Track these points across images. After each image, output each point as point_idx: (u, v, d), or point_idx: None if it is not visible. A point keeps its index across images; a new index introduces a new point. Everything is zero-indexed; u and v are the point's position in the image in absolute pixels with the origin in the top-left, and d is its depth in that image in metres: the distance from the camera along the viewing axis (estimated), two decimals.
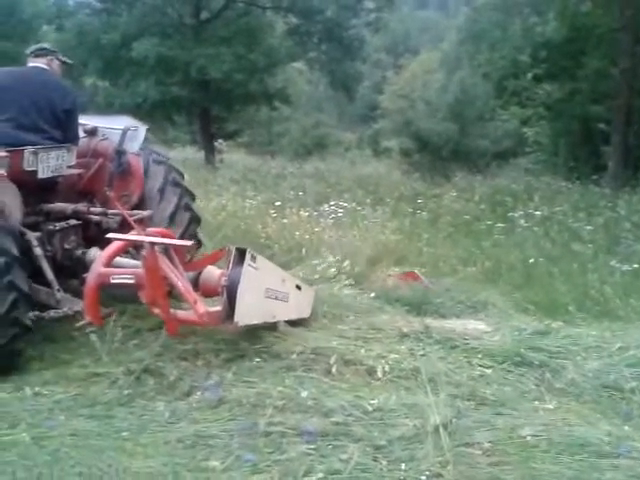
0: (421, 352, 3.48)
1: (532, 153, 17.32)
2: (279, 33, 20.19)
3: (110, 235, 3.51)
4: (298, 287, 3.86)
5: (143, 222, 3.84)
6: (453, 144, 17.50)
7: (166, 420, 2.86)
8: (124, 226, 3.80)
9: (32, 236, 3.56)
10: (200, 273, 3.59)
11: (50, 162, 3.78)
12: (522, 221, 7.74)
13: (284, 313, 3.69)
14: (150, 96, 17.36)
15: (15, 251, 3.25)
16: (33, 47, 4.19)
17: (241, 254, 3.38)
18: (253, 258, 3.37)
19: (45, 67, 4.02)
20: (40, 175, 3.73)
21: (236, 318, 3.28)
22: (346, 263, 5.06)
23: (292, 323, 3.77)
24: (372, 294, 4.60)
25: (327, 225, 6.79)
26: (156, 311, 3.39)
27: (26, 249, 3.47)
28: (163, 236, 3.46)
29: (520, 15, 15.63)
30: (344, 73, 19.80)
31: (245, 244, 3.97)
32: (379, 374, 3.23)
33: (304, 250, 5.76)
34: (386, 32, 32.32)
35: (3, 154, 3.42)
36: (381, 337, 3.72)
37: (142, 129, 4.32)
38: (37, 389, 3.16)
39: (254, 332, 3.56)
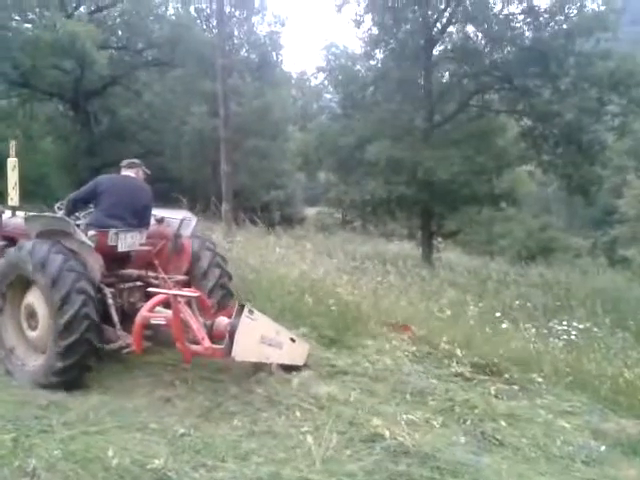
0: None
1: None
2: (511, 135, 19.96)
3: (149, 289, 4.79)
4: (292, 339, 4.95)
5: (180, 283, 5.25)
6: None
7: None
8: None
9: (107, 291, 4.84)
10: (214, 321, 4.81)
11: (127, 240, 5.16)
12: None
13: (277, 357, 4.77)
14: (377, 193, 18.28)
15: (92, 292, 4.51)
16: (126, 161, 5.65)
17: (242, 308, 4.55)
18: (250, 312, 4.57)
19: (133, 175, 5.54)
20: (119, 249, 5.09)
21: (233, 354, 4.41)
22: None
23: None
24: None
25: (556, 346, 6.12)
26: (178, 344, 4.49)
27: (102, 300, 4.71)
28: (192, 294, 4.67)
29: None
30: (582, 177, 18.69)
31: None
32: None
33: (539, 378, 5.19)
34: (631, 136, 29.92)
35: (93, 233, 4.90)
36: None
37: (194, 220, 5.79)
38: None
39: None
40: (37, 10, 24.33)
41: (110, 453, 3.37)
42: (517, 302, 9.05)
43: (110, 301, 4.80)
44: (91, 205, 5.38)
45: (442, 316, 6.91)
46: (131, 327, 4.61)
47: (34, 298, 4.65)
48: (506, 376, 5.25)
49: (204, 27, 31.45)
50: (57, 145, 31.06)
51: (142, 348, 4.57)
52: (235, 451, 3.59)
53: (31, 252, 4.53)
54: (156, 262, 5.49)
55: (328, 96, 28.39)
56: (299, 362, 4.99)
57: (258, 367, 4.82)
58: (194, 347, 4.50)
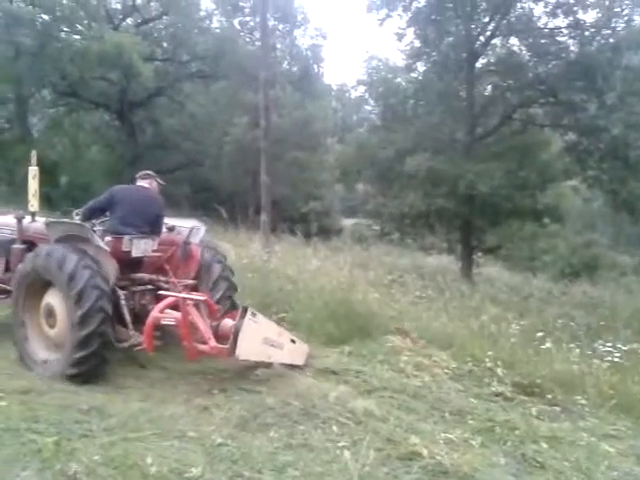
0: None
1: None
2: (555, 150, 19.58)
3: (161, 292, 5.20)
4: (293, 341, 5.34)
5: (189, 287, 5.57)
6: None
7: None
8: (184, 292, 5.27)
9: (121, 293, 5.20)
10: (220, 323, 5.12)
11: (140, 246, 5.49)
12: None
13: (278, 357, 5.14)
14: (416, 206, 18.15)
15: (106, 288, 4.85)
16: (141, 172, 6.03)
17: (245, 311, 4.89)
18: (253, 314, 4.92)
19: (147, 186, 5.89)
20: (133, 254, 5.43)
21: (237, 353, 4.75)
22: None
23: None
24: None
25: (600, 368, 5.91)
26: (185, 343, 4.80)
27: (115, 302, 5.04)
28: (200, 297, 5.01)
29: None
30: (628, 193, 18.16)
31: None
32: None
33: (583, 400, 5.03)
34: None
35: (109, 239, 5.30)
36: None
37: (202, 228, 6.10)
38: None
39: None
40: (85, 22, 25.17)
41: (149, 460, 3.41)
42: (560, 321, 8.83)
43: (123, 302, 5.16)
44: (107, 213, 5.69)
45: (482, 333, 6.80)
46: (142, 327, 4.95)
47: (52, 298, 5.01)
48: (548, 397, 5.11)
49: (247, 40, 31.97)
50: (103, 154, 31.98)
51: (153, 347, 4.91)
52: (272, 463, 3.58)
53: (49, 253, 4.91)
54: (167, 267, 5.86)
55: (368, 108, 28.44)
56: (299, 362, 5.38)
57: (294, 380, 4.82)
58: (201, 347, 4.81)
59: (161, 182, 6.11)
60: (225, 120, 27.90)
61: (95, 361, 4.79)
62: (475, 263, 20.18)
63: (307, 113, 29.53)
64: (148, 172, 6.05)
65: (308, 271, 8.40)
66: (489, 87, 21.97)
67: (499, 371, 5.48)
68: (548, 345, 6.23)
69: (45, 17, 23.70)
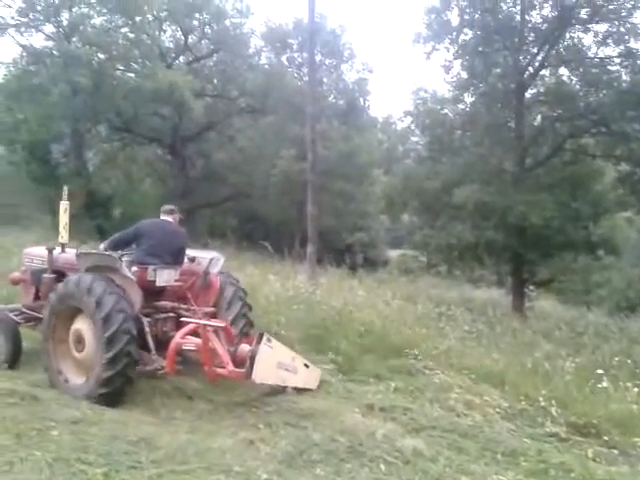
0: None
1: None
2: (609, 180, 19.05)
3: (183, 319, 5.59)
4: (306, 365, 5.59)
5: (208, 314, 5.89)
6: None
7: None
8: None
9: (145, 320, 5.50)
10: (237, 348, 5.34)
11: (164, 276, 5.86)
12: None
13: (292, 381, 5.41)
14: (464, 238, 17.88)
15: (131, 312, 5.19)
16: (165, 207, 6.42)
17: (261, 336, 5.10)
18: (269, 340, 5.14)
19: (171, 220, 6.28)
20: (157, 284, 5.80)
21: (253, 377, 4.96)
22: None
23: None
24: None
25: None
26: (205, 367, 5.09)
27: (140, 328, 5.31)
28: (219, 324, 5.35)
29: None
30: None
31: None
32: None
33: None
34: None
35: (135, 269, 5.67)
36: None
37: (222, 259, 6.43)
38: None
39: None
40: (140, 60, 26.28)
41: None
42: (617, 358, 8.42)
43: (147, 329, 5.47)
44: (133, 245, 6.08)
45: (536, 371, 6.57)
46: (164, 352, 5.25)
47: (81, 324, 5.33)
48: (605, 438, 4.91)
49: (295, 75, 32.67)
50: (155, 187, 32.99)
51: (175, 370, 5.21)
52: None
53: (79, 282, 5.27)
54: (188, 295, 6.21)
55: (414, 139, 28.44)
56: (312, 386, 5.65)
57: (340, 415, 4.74)
58: (219, 370, 5.08)
59: (181, 216, 6.58)
60: (272, 153, 28.43)
61: (122, 380, 5.07)
62: (527, 297, 19.59)
63: (353, 145, 29.79)
64: (171, 207, 6.44)
65: (355, 304, 8.32)
66: (538, 117, 21.67)
67: (553, 411, 5.29)
68: (605, 384, 5.98)
69: (101, 56, 24.88)
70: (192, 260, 6.36)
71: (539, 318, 15.38)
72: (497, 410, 5.36)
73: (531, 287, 20.37)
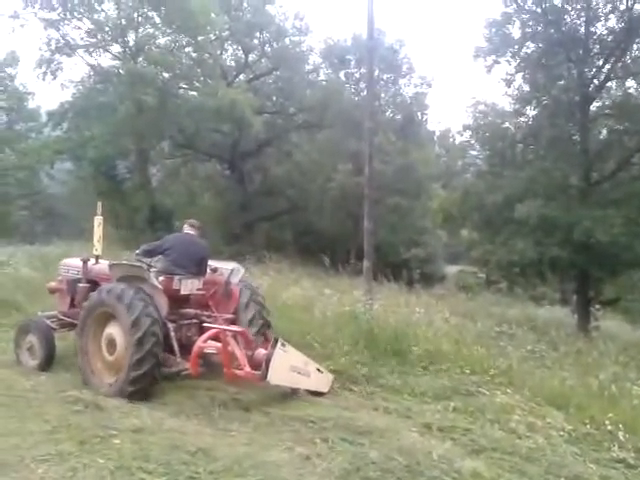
0: None
1: None
2: None
3: (205, 325, 6.00)
4: (319, 370, 5.91)
5: (229, 321, 6.37)
6: None
7: None
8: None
9: (170, 326, 5.95)
10: (254, 352, 5.73)
11: (188, 285, 6.36)
12: None
13: (305, 384, 5.78)
14: (527, 254, 17.37)
15: (157, 317, 5.64)
16: (188, 221, 6.96)
17: (276, 341, 5.54)
18: (283, 345, 5.56)
19: (194, 233, 6.80)
20: (181, 292, 6.30)
21: (268, 378, 5.36)
22: None
23: None
24: None
25: None
26: (225, 369, 5.46)
27: (165, 333, 5.77)
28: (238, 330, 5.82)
29: None
30: None
31: None
32: None
33: None
34: None
35: (162, 278, 6.16)
36: None
37: (242, 270, 6.89)
38: None
39: None
40: (202, 79, 27.05)
41: None
42: None
43: (172, 334, 5.93)
44: (160, 255, 6.60)
45: (602, 393, 6.28)
46: (188, 355, 5.68)
47: (113, 329, 5.81)
48: None
49: (352, 90, 32.82)
50: (214, 201, 33.76)
51: (198, 372, 5.62)
52: None
53: (111, 290, 5.79)
54: (210, 303, 6.67)
55: (473, 153, 27.93)
56: (324, 389, 5.95)
57: (398, 434, 4.65)
58: (237, 372, 5.46)
59: (201, 226, 7.14)
60: (329, 167, 28.57)
61: (148, 379, 5.53)
62: (593, 316, 18.77)
63: (410, 159, 29.57)
64: (194, 221, 6.96)
65: (411, 322, 8.18)
66: (604, 131, 20.94)
67: (620, 435, 5.05)
68: None
69: (165, 75, 25.80)
70: (214, 270, 6.79)
71: (605, 338, 14.66)
72: (560, 433, 5.15)
73: (597, 306, 19.51)
